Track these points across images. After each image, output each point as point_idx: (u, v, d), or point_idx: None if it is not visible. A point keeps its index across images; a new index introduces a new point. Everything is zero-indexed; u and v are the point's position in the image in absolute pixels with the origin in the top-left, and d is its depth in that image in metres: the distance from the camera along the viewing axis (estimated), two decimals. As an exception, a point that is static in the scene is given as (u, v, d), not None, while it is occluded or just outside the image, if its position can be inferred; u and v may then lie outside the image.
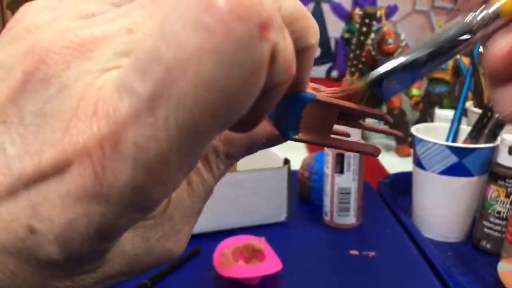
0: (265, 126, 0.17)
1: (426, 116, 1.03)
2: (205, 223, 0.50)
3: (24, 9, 0.12)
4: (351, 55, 1.02)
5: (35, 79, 0.11)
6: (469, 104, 0.60)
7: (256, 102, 0.11)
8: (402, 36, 0.87)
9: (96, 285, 0.13)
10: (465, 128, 0.54)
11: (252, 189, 0.51)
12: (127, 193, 0.10)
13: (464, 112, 0.56)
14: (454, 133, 0.55)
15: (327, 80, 1.54)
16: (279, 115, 0.17)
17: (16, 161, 0.11)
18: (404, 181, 0.62)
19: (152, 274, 0.42)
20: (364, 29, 0.98)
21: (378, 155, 0.18)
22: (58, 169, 0.10)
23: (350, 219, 0.53)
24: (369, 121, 1.05)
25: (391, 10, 2.53)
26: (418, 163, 0.52)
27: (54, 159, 0.10)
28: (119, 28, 0.11)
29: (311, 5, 2.48)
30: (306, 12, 0.14)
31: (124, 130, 0.10)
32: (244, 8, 0.09)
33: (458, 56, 0.63)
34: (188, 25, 0.09)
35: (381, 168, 0.86)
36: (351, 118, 0.19)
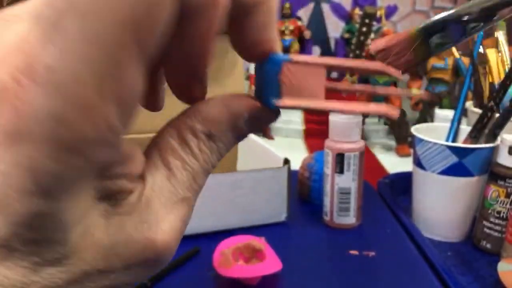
0: (244, 99, 0.16)
1: (426, 116, 1.03)
2: (205, 223, 0.50)
3: None
4: (351, 55, 1.03)
5: None
6: (469, 104, 0.60)
7: (189, 40, 0.11)
8: (402, 36, 0.87)
9: (71, 286, 0.12)
10: (465, 128, 0.54)
11: (252, 189, 0.51)
12: (49, 125, 0.10)
13: (464, 112, 0.56)
14: (454, 133, 0.55)
15: (327, 80, 1.54)
16: (259, 85, 0.16)
17: None
18: (404, 181, 0.62)
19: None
20: (364, 29, 0.98)
21: (396, 117, 0.16)
22: None
23: (350, 219, 0.53)
24: (369, 121, 1.05)
25: (391, 10, 2.53)
26: (418, 163, 0.52)
27: None
28: None
29: (311, 5, 2.48)
30: None
31: (36, 56, 0.10)
32: None
33: (458, 56, 0.63)
34: None
35: (381, 168, 0.86)
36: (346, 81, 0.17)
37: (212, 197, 0.49)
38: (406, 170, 0.64)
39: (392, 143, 0.99)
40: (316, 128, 1.08)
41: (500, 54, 0.57)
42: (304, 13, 2.85)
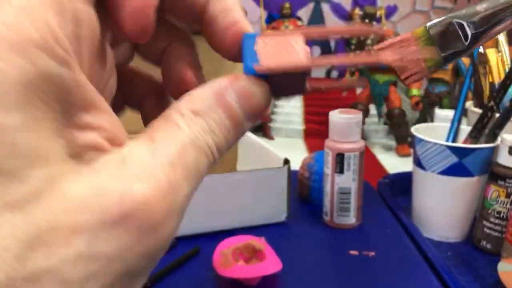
0: (226, 76, 0.16)
1: (426, 116, 1.03)
2: (205, 223, 0.50)
3: None
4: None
5: None
6: (469, 104, 0.60)
7: None
8: (402, 36, 0.87)
9: (38, 245, 0.11)
10: (465, 128, 0.54)
11: (252, 189, 0.51)
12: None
13: (464, 112, 0.56)
14: (454, 133, 0.55)
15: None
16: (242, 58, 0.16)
17: None
18: (404, 181, 0.62)
19: (152, 274, 0.42)
20: (364, 29, 0.99)
21: (392, 62, 0.16)
22: None
23: (350, 219, 0.53)
24: (369, 121, 1.05)
25: (391, 10, 2.53)
26: (418, 163, 0.52)
27: None
28: None
29: (311, 5, 2.48)
30: None
31: None
32: None
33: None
34: None
35: (381, 168, 0.86)
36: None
37: (212, 197, 0.49)
38: (406, 170, 0.64)
39: (392, 143, 0.99)
40: (316, 128, 1.08)
41: (500, 54, 0.57)
42: (304, 13, 2.85)
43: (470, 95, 0.59)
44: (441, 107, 0.99)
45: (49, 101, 0.12)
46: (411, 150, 0.57)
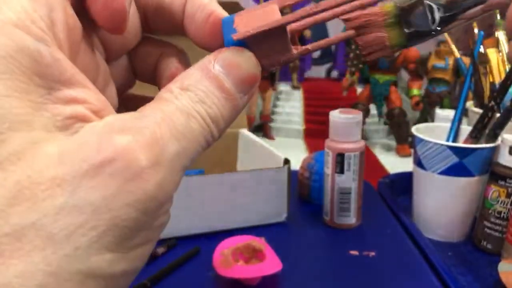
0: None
1: (426, 116, 1.03)
2: (205, 223, 0.50)
3: None
4: (351, 55, 1.02)
5: None
6: (469, 104, 0.60)
7: None
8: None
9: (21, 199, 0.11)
10: (466, 128, 0.54)
11: (252, 189, 0.51)
12: None
13: (465, 112, 0.56)
14: (454, 133, 0.54)
15: (327, 80, 1.54)
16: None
17: None
18: (404, 181, 0.62)
19: (152, 274, 0.42)
20: (364, 29, 0.98)
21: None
22: None
23: (350, 219, 0.53)
24: (370, 121, 1.05)
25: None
26: (418, 163, 0.52)
27: None
28: None
29: (311, 5, 2.48)
30: None
31: None
32: None
33: (458, 56, 0.63)
34: None
35: (381, 168, 0.86)
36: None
37: (212, 197, 0.49)
38: (406, 170, 0.64)
39: (392, 143, 0.99)
40: (316, 128, 1.08)
41: (500, 54, 0.57)
42: (304, 13, 2.85)
43: (470, 95, 0.59)
44: (442, 107, 0.99)
45: (30, 74, 0.12)
46: (411, 150, 0.57)
